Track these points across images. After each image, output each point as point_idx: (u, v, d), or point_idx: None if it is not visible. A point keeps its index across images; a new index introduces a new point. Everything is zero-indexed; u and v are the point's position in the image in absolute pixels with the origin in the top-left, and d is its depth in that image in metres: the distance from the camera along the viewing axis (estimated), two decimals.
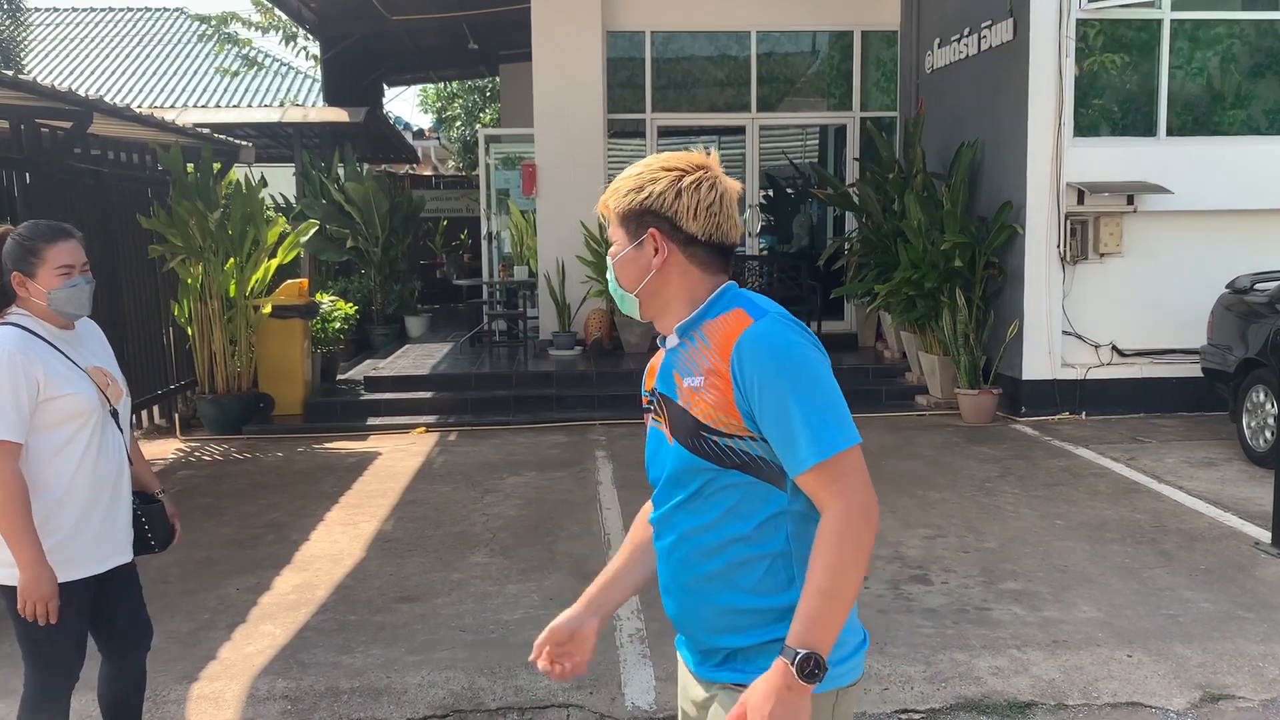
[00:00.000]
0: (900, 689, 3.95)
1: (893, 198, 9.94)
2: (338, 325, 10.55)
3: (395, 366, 10.64)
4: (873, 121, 11.60)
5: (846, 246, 10.76)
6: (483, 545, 5.76)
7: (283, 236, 9.38)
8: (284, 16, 21.74)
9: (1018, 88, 8.83)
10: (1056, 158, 8.73)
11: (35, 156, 6.58)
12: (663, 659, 4.21)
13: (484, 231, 13.15)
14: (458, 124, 23.93)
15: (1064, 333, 8.91)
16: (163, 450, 8.34)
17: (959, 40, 9.95)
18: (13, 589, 2.85)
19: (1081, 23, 8.77)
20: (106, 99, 6.92)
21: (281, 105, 19.60)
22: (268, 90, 23.60)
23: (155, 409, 8.75)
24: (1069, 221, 8.79)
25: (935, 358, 9.32)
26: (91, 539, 2.97)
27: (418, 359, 11.06)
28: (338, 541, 5.91)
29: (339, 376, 10.73)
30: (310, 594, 5.06)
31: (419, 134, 25.51)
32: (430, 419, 9.24)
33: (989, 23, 9.28)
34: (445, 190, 19.96)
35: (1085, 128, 8.92)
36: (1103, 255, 8.85)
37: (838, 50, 11.79)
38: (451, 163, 24.39)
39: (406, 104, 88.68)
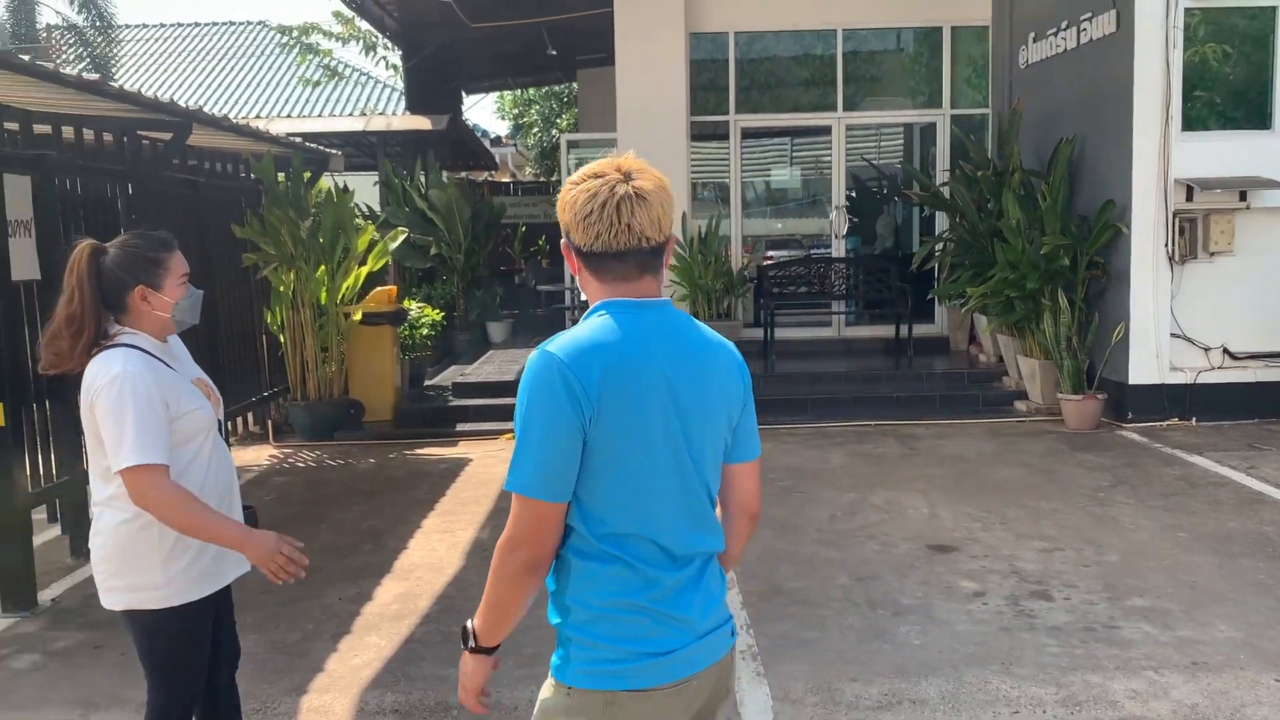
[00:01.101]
0: (1031, 713, 3.75)
1: (987, 197, 9.66)
2: (425, 332, 10.59)
3: (481, 373, 10.64)
4: (963, 119, 11.31)
5: (939, 247, 10.49)
6: None
7: (372, 244, 9.43)
8: (364, 27, 22.09)
9: (1121, 81, 8.51)
10: (1164, 153, 8.38)
11: (137, 167, 6.66)
12: (778, 677, 4.07)
13: (564, 238, 13.08)
14: (535, 130, 24.02)
15: (1172, 335, 8.56)
16: (256, 457, 8.42)
17: (1056, 34, 9.63)
18: (139, 613, 2.81)
19: (1186, 12, 8.42)
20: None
21: (363, 114, 19.81)
22: (348, 100, 23.94)
23: (249, 416, 8.84)
24: (1177, 219, 8.44)
25: (1035, 361, 9.02)
26: (214, 554, 2.92)
27: (502, 365, 11.05)
28: (436, 550, 5.87)
29: (426, 382, 10.77)
30: (413, 604, 5.02)
31: (496, 141, 25.65)
32: None
33: (1089, 15, 8.96)
34: (523, 196, 20.04)
35: (1193, 121, 8.56)
36: (1213, 254, 8.48)
37: (926, 47, 11.52)
38: (529, 169, 24.49)
39: (484, 111, 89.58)
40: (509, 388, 10.02)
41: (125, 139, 6.66)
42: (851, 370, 10.20)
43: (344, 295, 9.14)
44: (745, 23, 11.32)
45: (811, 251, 12.67)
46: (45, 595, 5.23)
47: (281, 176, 9.01)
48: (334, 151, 10.00)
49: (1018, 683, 3.97)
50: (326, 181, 10.17)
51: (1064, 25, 9.46)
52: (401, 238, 9.85)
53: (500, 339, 14.01)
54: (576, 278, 1.99)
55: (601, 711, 1.89)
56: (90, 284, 2.74)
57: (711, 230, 10.92)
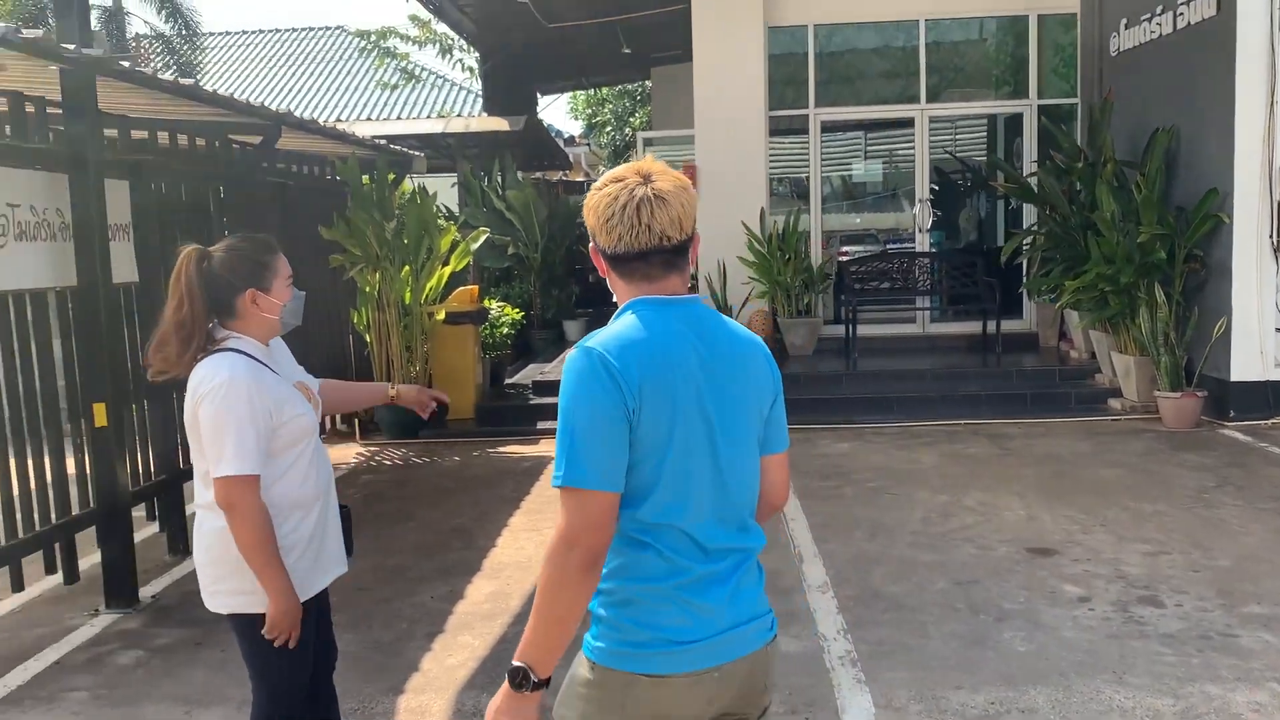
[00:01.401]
0: None
1: (1079, 188, 9.38)
2: (505, 330, 10.63)
3: (560, 371, 10.61)
4: (1050, 109, 11.01)
5: (1027, 241, 10.22)
6: None
7: (454, 245, 9.49)
8: (441, 30, 22.31)
9: (1222, 67, 8.19)
10: (1269, 141, 8.05)
11: (228, 171, 6.77)
12: (879, 684, 3.96)
13: None
14: (608, 129, 24.04)
15: (1277, 330, 8.21)
16: (344, 455, 8.52)
17: (1150, 19, 9.31)
18: (245, 617, 2.82)
19: None
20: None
21: (441, 117, 20.02)
22: (423, 103, 24.23)
23: (337, 415, 8.95)
24: None
25: (1130, 358, 8.73)
26: (315, 555, 2.92)
27: None
28: (524, 548, 5.86)
29: (506, 381, 10.81)
30: (504, 603, 5.01)
31: (569, 140, 25.73)
32: None
33: None
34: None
35: None
36: None
37: (1012, 36, 11.24)
38: (602, 168, 24.53)
39: (557, 111, 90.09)
40: None
41: (216, 143, 6.76)
42: (937, 368, 9.99)
43: (428, 295, 9.21)
44: (825, 15, 11.16)
45: (889, 246, 12.44)
46: (146, 592, 5.33)
47: (365, 179, 9.12)
48: (417, 153, 10.08)
49: (1132, 693, 3.82)
50: (408, 183, 10.26)
51: (1159, 10, 9.14)
52: (483, 238, 9.89)
53: (576, 337, 14.03)
54: (607, 280, 2.03)
55: (621, 691, 1.93)
56: (199, 289, 2.76)
57: (791, 226, 10.79)
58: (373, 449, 8.78)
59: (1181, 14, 8.75)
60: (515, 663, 1.89)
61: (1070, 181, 9.50)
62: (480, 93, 24.07)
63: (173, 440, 5.90)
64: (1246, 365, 8.24)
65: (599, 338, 1.93)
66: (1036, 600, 4.74)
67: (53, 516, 4.93)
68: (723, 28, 10.92)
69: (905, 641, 4.37)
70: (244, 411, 2.68)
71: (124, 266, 5.48)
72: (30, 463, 4.78)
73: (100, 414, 4.99)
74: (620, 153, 23.47)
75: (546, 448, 8.58)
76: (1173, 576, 4.98)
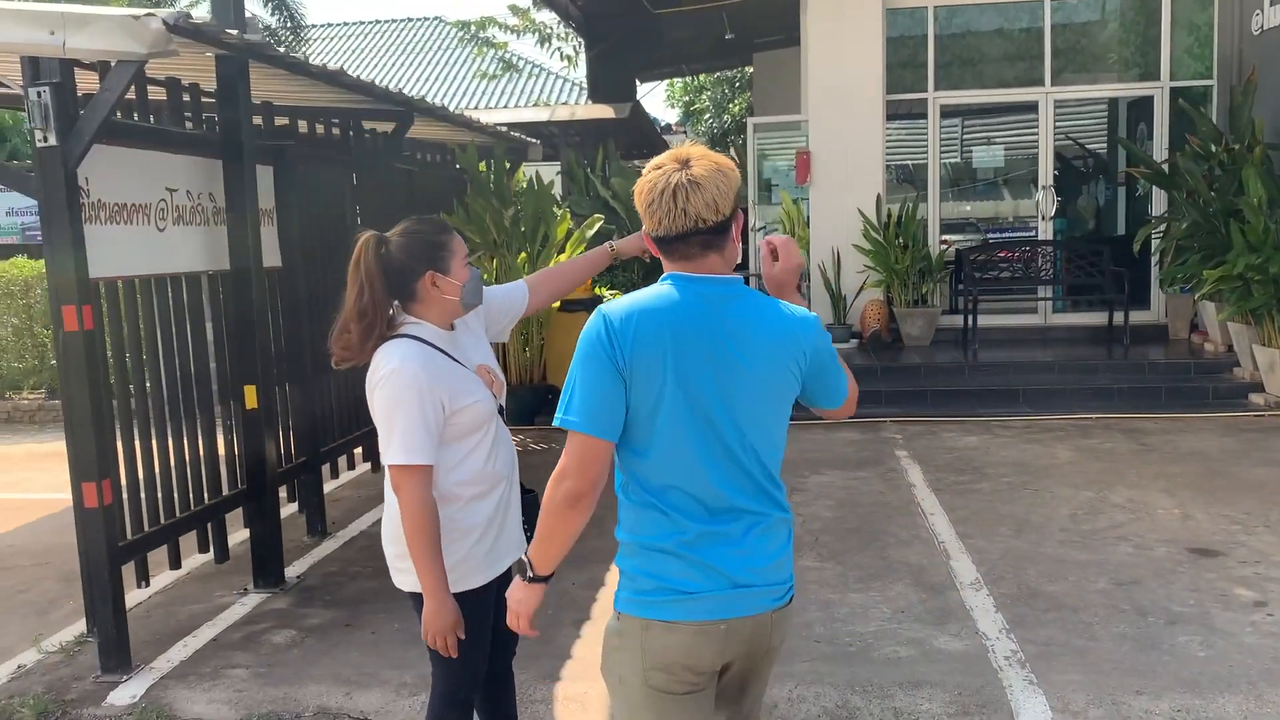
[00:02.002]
0: None
1: (1219, 174, 8.97)
2: None
3: None
4: (1182, 91, 10.56)
5: (1159, 230, 9.81)
6: (807, 548, 5.50)
7: (569, 232, 9.47)
8: (539, 19, 22.42)
9: None
10: None
11: (360, 157, 6.83)
12: (1052, 686, 3.80)
13: (752, 223, 12.89)
14: (706, 116, 23.88)
15: None
16: None
17: None
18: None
19: None
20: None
21: (542, 105, 20.10)
22: (518, 92, 24.33)
23: None
24: None
25: (1276, 351, 8.33)
26: (492, 540, 2.88)
27: None
28: None
29: None
30: None
31: (666, 129, 25.64)
32: None
33: None
34: None
35: None
36: None
37: (1142, 15, 10.79)
38: None
39: (653, 100, 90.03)
40: None
41: (350, 130, 6.82)
42: (1063, 359, 9.65)
43: None
44: None
45: (1009, 234, 12.08)
46: (290, 572, 5.40)
47: (482, 165, 9.15)
48: (533, 141, 10.08)
49: None
50: (523, 171, 10.28)
51: None
52: (598, 224, 9.85)
53: None
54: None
55: (639, 634, 2.13)
56: (379, 275, 2.72)
57: (909, 213, 10.54)
58: None
59: None
60: (523, 557, 2.24)
61: (1210, 167, 9.09)
62: (576, 81, 24.19)
63: (312, 422, 5.97)
64: None
65: (616, 301, 2.12)
66: (1208, 604, 4.52)
67: (205, 496, 5.01)
68: (839, 11, 10.70)
69: (1072, 642, 4.19)
70: (413, 400, 2.64)
71: (270, 252, 5.55)
72: (185, 443, 4.86)
73: (251, 396, 5.07)
74: (718, 139, 23.27)
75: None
76: None
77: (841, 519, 5.99)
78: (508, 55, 24.07)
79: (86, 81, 4.31)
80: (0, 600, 5.34)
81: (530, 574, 2.22)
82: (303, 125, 6.31)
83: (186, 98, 5.03)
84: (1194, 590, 4.68)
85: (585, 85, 23.61)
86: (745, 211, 2.30)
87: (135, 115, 4.64)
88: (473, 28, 24.25)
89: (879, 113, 10.81)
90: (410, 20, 30.07)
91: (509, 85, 24.57)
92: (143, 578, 4.71)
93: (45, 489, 7.74)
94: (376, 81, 6.11)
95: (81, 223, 4.10)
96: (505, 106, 23.04)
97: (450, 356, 2.81)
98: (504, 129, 9.35)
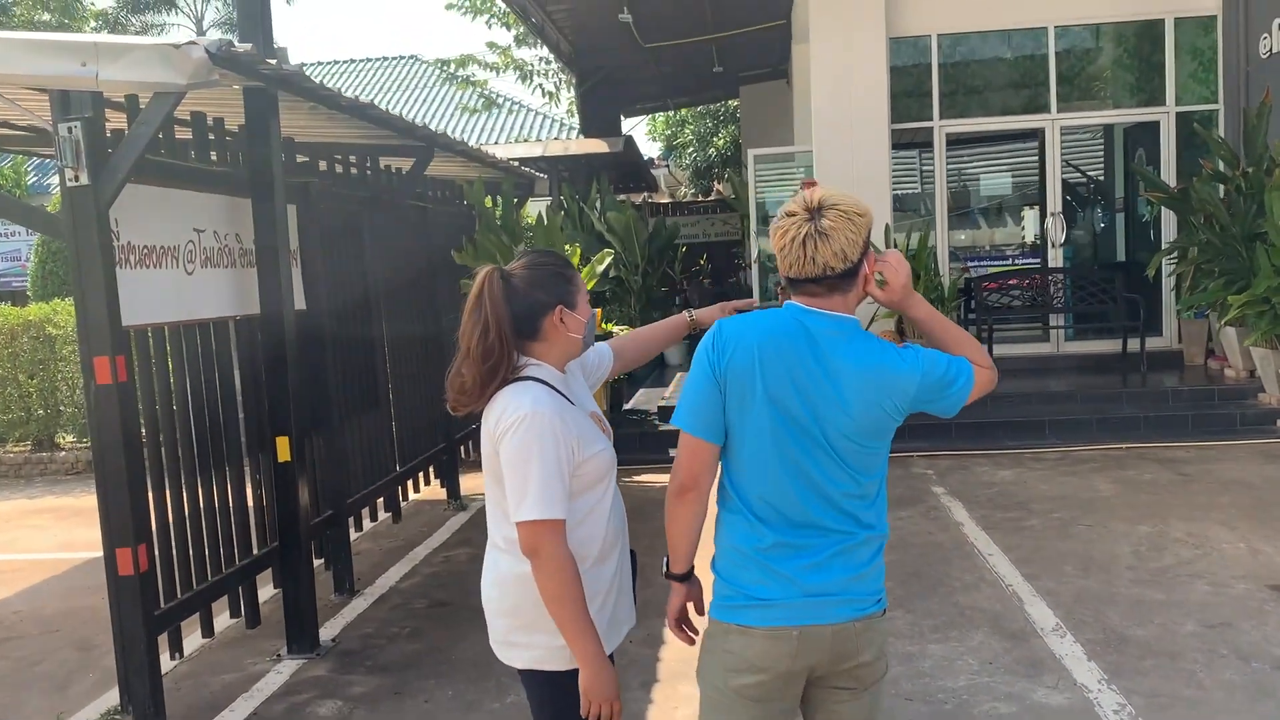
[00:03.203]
0: None
1: (1238, 197, 8.89)
2: None
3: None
4: (1188, 116, 10.52)
5: (1175, 255, 9.72)
6: None
7: (579, 268, 9.23)
8: (518, 56, 22.32)
9: None
10: None
11: (379, 194, 6.57)
12: None
13: (752, 256, 12.71)
14: (689, 150, 23.79)
15: None
16: (476, 485, 8.26)
17: None
18: (541, 674, 2.51)
19: None
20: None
21: (534, 141, 19.93)
22: (500, 129, 24.18)
23: (470, 443, 8.70)
24: None
25: None
26: (613, 607, 2.60)
27: None
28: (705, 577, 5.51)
29: (624, 406, 10.51)
30: None
31: (649, 162, 25.57)
32: None
33: None
34: (683, 217, 19.79)
35: None
36: None
37: (1146, 41, 10.76)
38: (683, 189, 24.28)
39: (636, 134, 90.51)
40: None
41: (368, 167, 6.57)
42: (1083, 388, 9.50)
43: None
44: (949, 24, 10.79)
45: (1019, 262, 11.97)
46: (324, 635, 5.07)
47: (488, 201, 8.91)
48: (540, 175, 9.86)
49: None
50: (529, 206, 10.05)
51: None
52: (608, 260, 9.62)
53: (676, 360, 13.73)
54: None
55: (723, 638, 2.25)
56: (505, 311, 2.47)
57: (921, 242, 10.40)
58: None
59: None
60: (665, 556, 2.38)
61: (1227, 190, 9.01)
62: (556, 118, 24.09)
63: (338, 473, 5.66)
64: None
65: (735, 317, 2.28)
66: None
67: (237, 556, 4.69)
68: (842, 41, 10.59)
69: (1180, 693, 3.95)
70: (550, 449, 2.37)
71: (295, 294, 5.26)
72: (216, 501, 4.55)
73: (284, 448, 4.76)
74: (702, 173, 23.19)
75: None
76: None
77: (898, 562, 5.73)
78: (488, 92, 23.93)
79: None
80: (13, 673, 4.95)
81: (665, 570, 2.40)
82: (322, 163, 6.04)
83: (211, 136, 4.75)
84: None
85: (565, 121, 23.55)
86: (870, 247, 2.28)
87: (163, 152, 4.36)
88: (453, 65, 24.14)
89: (885, 142, 10.69)
90: (386, 59, 29.94)
91: (489, 121, 24.42)
92: (176, 648, 4.38)
93: (43, 548, 7.35)
94: None
95: (114, 266, 3.81)
96: (495, 143, 22.88)
97: (569, 401, 2.56)
98: (516, 163, 9.12)
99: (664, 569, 2.40)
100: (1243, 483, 7.00)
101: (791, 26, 13.74)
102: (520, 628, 2.52)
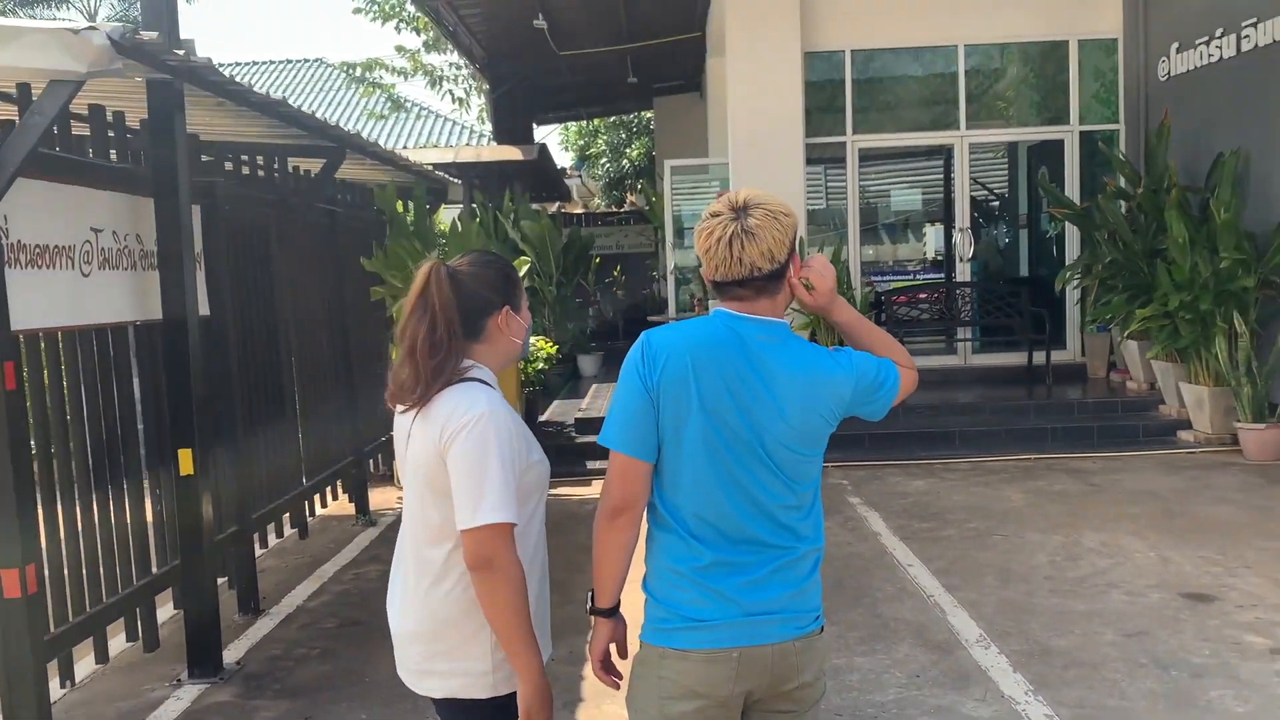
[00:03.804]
0: None
1: (1140, 215, 9.16)
2: (540, 365, 10.18)
3: (597, 407, 10.21)
4: (1092, 135, 10.83)
5: (1079, 270, 9.97)
6: None
7: None
8: (426, 62, 21.98)
9: None
10: None
11: (287, 196, 6.32)
12: None
13: (669, 267, 12.68)
14: (602, 161, 23.73)
15: None
16: (386, 499, 8.01)
17: (1208, 43, 9.15)
18: (460, 703, 2.37)
19: None
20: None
21: (445, 147, 19.63)
22: (409, 134, 23.75)
23: (379, 457, 8.43)
24: None
25: (1204, 389, 8.46)
26: (540, 622, 2.47)
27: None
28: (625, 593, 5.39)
29: (539, 418, 10.35)
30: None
31: (561, 172, 25.44)
32: None
33: (1253, 20, 8.48)
34: (596, 227, 19.72)
35: None
36: None
37: (1052, 62, 11.05)
38: (596, 200, 24.20)
39: (548, 143, 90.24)
40: None
41: (276, 167, 6.31)
42: (991, 400, 9.68)
43: None
44: (862, 40, 10.91)
45: (926, 276, 12.18)
46: (228, 657, 4.81)
47: (400, 205, 8.68)
48: (454, 180, 9.66)
49: None
50: (442, 212, 9.84)
51: (1218, 34, 8.98)
52: (526, 266, 9.46)
53: (591, 372, 13.64)
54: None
55: (657, 664, 2.15)
56: (453, 306, 2.32)
57: (834, 257, 10.47)
58: None
59: (1247, 36, 8.58)
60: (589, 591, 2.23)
61: (1129, 208, 9.28)
62: (466, 124, 23.77)
63: (243, 487, 5.40)
64: None
65: (660, 328, 2.18)
66: (1225, 653, 4.38)
67: (134, 576, 4.41)
68: (759, 54, 10.63)
69: (1105, 703, 3.98)
70: (506, 450, 2.24)
71: (200, 299, 5.00)
72: (113, 516, 4.27)
73: (186, 461, 4.51)
74: (616, 184, 23.15)
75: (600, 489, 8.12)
76: None
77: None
78: (397, 96, 23.50)
79: None
80: None
81: (590, 606, 2.23)
82: (228, 163, 5.78)
83: (112, 131, 4.49)
84: (1205, 639, 4.54)
85: (475, 128, 23.24)
86: (797, 252, 2.22)
87: (57, 146, 4.08)
88: (359, 69, 23.66)
89: (799, 155, 10.75)
90: (291, 62, 29.21)
91: (396, 127, 23.96)
92: (67, 675, 4.09)
93: None
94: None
95: (3, 267, 3.54)
96: (405, 148, 22.45)
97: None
98: (430, 168, 8.90)
99: (589, 603, 2.25)
100: (1150, 493, 7.17)
101: (707, 39, 13.80)
102: (441, 654, 2.36)
